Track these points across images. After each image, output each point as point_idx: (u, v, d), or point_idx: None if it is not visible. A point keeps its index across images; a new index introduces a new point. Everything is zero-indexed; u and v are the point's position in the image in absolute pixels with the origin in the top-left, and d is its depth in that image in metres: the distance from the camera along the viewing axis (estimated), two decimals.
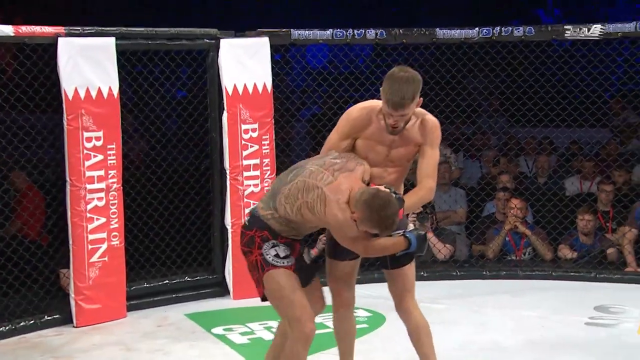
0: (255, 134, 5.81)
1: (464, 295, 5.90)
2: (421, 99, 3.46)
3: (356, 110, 3.60)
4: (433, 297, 5.77)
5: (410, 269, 3.78)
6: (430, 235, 6.46)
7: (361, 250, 3.47)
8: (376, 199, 3.25)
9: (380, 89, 3.41)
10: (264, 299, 3.59)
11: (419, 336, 3.74)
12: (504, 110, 7.72)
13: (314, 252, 3.31)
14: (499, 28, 6.09)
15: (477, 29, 6.09)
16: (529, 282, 6.21)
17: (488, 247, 6.61)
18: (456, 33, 6.12)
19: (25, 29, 5.01)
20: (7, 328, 5.10)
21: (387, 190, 3.32)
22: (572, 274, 6.28)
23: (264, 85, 5.81)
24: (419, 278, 6.14)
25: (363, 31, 6.03)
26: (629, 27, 5.91)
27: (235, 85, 5.71)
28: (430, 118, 3.60)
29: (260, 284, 3.51)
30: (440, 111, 6.49)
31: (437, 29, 6.09)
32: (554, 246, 6.58)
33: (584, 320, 5.22)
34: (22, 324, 5.17)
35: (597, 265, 6.33)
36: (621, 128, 7.13)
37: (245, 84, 5.75)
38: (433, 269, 6.39)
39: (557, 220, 6.52)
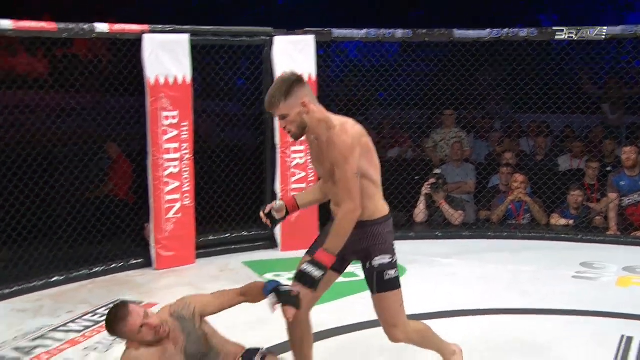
0: None
1: (470, 252, 5.89)
2: (304, 101, 2.68)
3: None
4: (444, 253, 5.84)
5: (394, 297, 2.84)
6: (443, 203, 6.52)
7: None
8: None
9: None
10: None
11: (422, 346, 3.03)
12: (509, 98, 7.70)
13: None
14: (506, 30, 6.07)
15: (488, 30, 6.07)
16: (526, 242, 6.19)
17: (493, 212, 6.62)
18: (470, 33, 6.10)
19: (117, 27, 5.09)
20: (102, 269, 5.25)
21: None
22: (562, 235, 6.26)
23: (309, 75, 5.78)
24: (434, 237, 6.30)
25: (392, 31, 6.03)
26: (615, 30, 5.86)
27: None
28: (335, 131, 2.69)
29: None
30: (456, 98, 6.54)
31: (455, 30, 6.08)
32: (548, 213, 6.59)
33: (571, 274, 5.22)
34: (113, 265, 5.31)
35: (584, 229, 6.34)
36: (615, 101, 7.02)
37: None
38: (446, 230, 6.44)
39: (551, 191, 6.54)
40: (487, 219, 6.68)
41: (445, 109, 6.80)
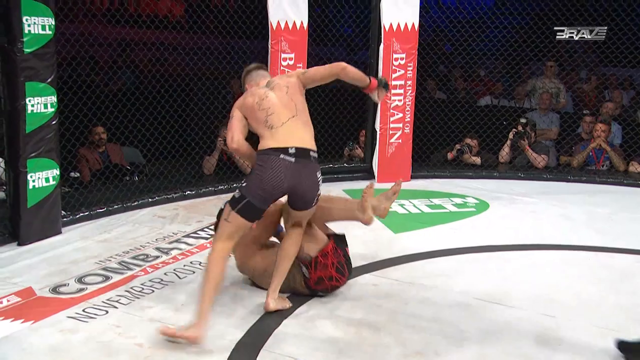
0: (402, 62, 5.73)
1: (550, 193, 5.71)
2: (246, 85, 3.32)
3: None
4: (526, 192, 5.69)
5: (225, 210, 2.96)
6: (527, 149, 6.31)
7: None
8: None
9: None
10: None
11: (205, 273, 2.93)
12: (599, 52, 7.23)
13: None
14: None
15: None
16: (604, 187, 5.93)
17: (574, 158, 6.37)
18: None
19: None
20: (225, 187, 5.32)
21: None
22: (639, 182, 5.96)
23: (413, 24, 5.67)
24: (517, 178, 6.13)
25: None
26: None
27: (391, 23, 5.63)
28: None
29: None
30: (548, 50, 6.18)
31: None
32: (628, 162, 6.25)
33: None
34: (234, 185, 5.28)
35: None
36: None
37: (398, 23, 5.64)
38: (529, 172, 6.26)
39: (633, 141, 6.18)
40: (567, 164, 6.43)
41: (546, 60, 6.50)
